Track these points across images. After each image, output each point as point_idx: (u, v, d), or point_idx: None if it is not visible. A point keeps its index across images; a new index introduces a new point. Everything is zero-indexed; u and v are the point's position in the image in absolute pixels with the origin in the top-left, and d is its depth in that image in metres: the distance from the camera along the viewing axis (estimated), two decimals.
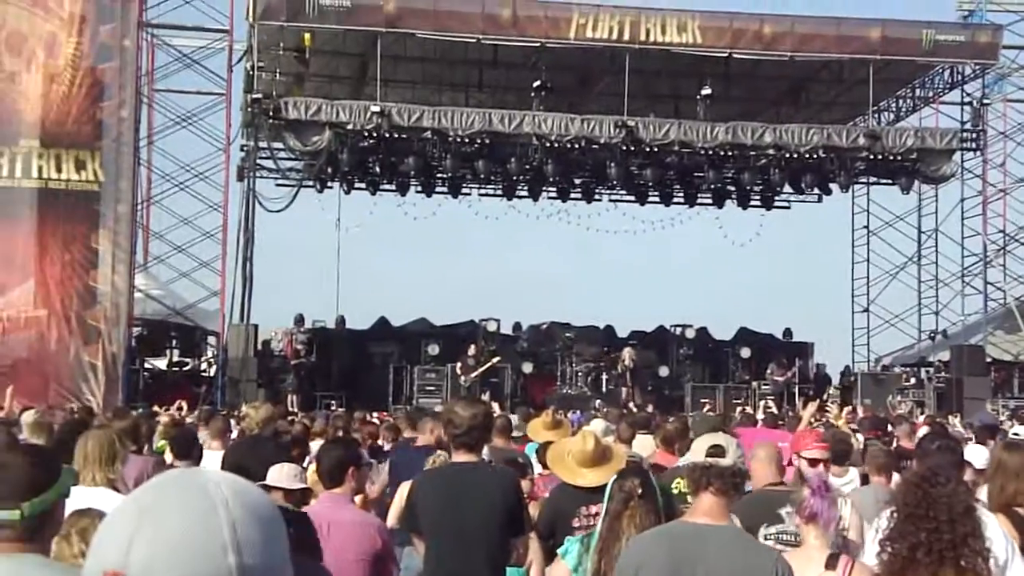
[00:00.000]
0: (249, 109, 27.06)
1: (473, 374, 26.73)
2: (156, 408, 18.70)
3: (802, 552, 5.22)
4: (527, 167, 28.61)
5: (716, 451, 4.60)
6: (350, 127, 26.49)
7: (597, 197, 32.72)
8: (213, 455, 9.84)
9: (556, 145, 27.35)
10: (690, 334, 31.34)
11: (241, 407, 19.30)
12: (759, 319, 33.63)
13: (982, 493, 6.14)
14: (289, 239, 33.66)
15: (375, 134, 26.70)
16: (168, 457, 10.30)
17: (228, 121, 27.83)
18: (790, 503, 5.81)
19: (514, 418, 13.37)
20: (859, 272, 35.78)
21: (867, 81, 28.04)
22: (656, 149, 27.82)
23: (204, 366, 29.68)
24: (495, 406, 16.69)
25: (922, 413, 24.48)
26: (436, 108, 27.54)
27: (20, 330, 24.90)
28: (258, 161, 28.69)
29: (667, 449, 10.44)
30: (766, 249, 45.40)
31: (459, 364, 27.06)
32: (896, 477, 7.78)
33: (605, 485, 5.56)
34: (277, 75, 28.12)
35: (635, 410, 21.92)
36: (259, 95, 26.32)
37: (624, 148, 27.66)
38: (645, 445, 10.92)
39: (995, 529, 4.89)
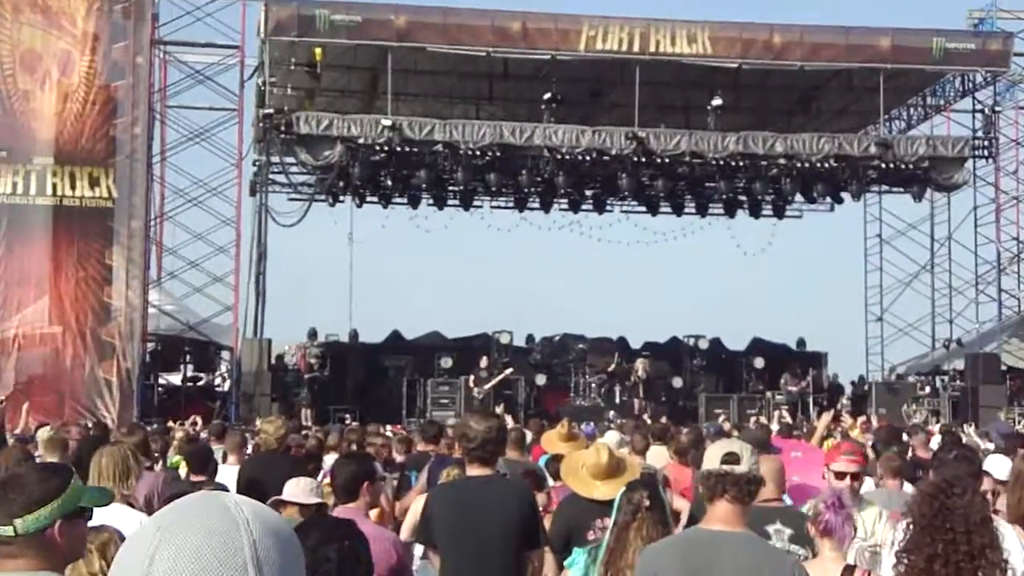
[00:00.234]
0: (261, 124, 27.16)
1: (486, 386, 26.73)
2: (171, 423, 18.77)
3: (817, 563, 5.21)
4: (538, 179, 28.66)
5: (731, 458, 4.59)
6: (361, 141, 26.57)
7: (608, 208, 32.74)
8: (229, 470, 9.86)
9: (567, 157, 27.39)
10: (703, 345, 31.28)
11: (256, 422, 19.34)
12: (772, 329, 33.62)
13: (1002, 503, 6.12)
14: (302, 253, 33.77)
15: (386, 148, 26.77)
16: (183, 472, 10.34)
17: (240, 136, 27.99)
18: (779, 519, 5.81)
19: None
20: (872, 281, 35.73)
21: (878, 90, 28.03)
22: (667, 160, 27.84)
23: (218, 381, 29.71)
24: (508, 419, 16.69)
25: (937, 422, 24.40)
26: (447, 121, 27.60)
27: (35, 347, 24.98)
28: (270, 176, 28.76)
29: (681, 460, 10.45)
30: (778, 259, 45.43)
31: (472, 377, 27.06)
32: (910, 487, 7.76)
33: None
34: (288, 90, 28.23)
35: (648, 421, 21.89)
36: (271, 110, 26.43)
37: (635, 159, 27.69)
38: (660, 456, 10.92)
39: (1013, 540, 4.88)
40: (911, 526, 4.35)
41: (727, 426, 20.26)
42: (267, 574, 1.75)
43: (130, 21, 26.11)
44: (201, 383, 29.37)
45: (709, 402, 28.90)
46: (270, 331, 27.19)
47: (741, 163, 28.26)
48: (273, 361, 27.88)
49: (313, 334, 28.97)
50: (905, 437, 13.37)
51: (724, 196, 31.27)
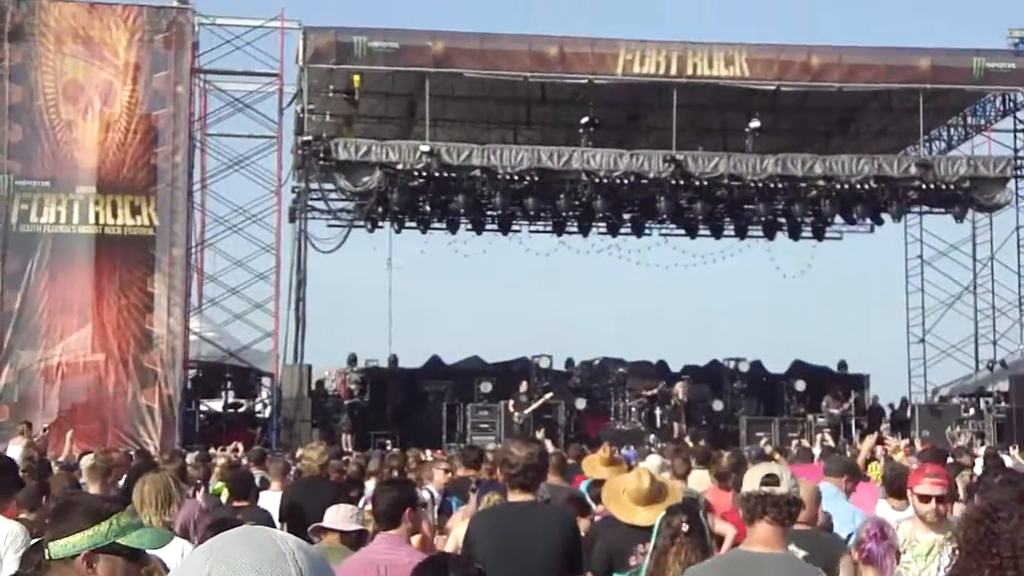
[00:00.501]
0: (300, 151, 27.35)
1: (526, 411, 26.70)
2: (212, 450, 18.86)
3: None
4: (576, 203, 28.68)
5: (770, 480, 4.58)
6: (400, 167, 26.69)
7: (647, 231, 32.69)
8: (272, 496, 9.90)
9: (605, 180, 27.40)
10: (744, 367, 31.12)
11: (296, 448, 19.40)
12: (813, 351, 33.39)
13: None
14: (341, 279, 33.94)
15: (425, 173, 26.88)
16: (224, 498, 10.38)
17: (279, 163, 28.11)
18: (795, 541, 5.77)
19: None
20: (914, 302, 35.39)
21: (917, 110, 27.88)
22: (705, 182, 27.79)
23: (259, 407, 29.83)
24: (548, 443, 16.66)
25: (982, 444, 24.13)
26: (485, 146, 27.68)
27: (79, 375, 25.20)
28: (309, 202, 28.92)
29: (721, 485, 10.37)
30: (818, 280, 45.11)
31: (512, 401, 27.04)
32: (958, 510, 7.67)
33: None
34: (327, 117, 28.43)
35: (690, 444, 21.78)
36: (309, 137, 26.61)
37: (673, 182, 27.66)
38: (701, 480, 10.85)
39: None
40: (957, 552, 4.30)
41: (769, 449, 20.14)
42: None
43: (171, 51, 26.40)
44: (242, 409, 29.51)
45: (750, 425, 28.72)
46: (310, 357, 27.32)
47: (780, 185, 28.17)
48: (313, 387, 27.98)
49: (353, 360, 29.06)
50: (950, 460, 13.23)
51: (763, 218, 31.17)
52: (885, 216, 30.63)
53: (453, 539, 7.93)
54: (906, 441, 20.49)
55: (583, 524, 7.34)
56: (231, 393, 30.09)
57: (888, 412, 31.12)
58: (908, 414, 30.12)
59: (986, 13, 53.59)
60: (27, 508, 8.09)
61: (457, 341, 34.86)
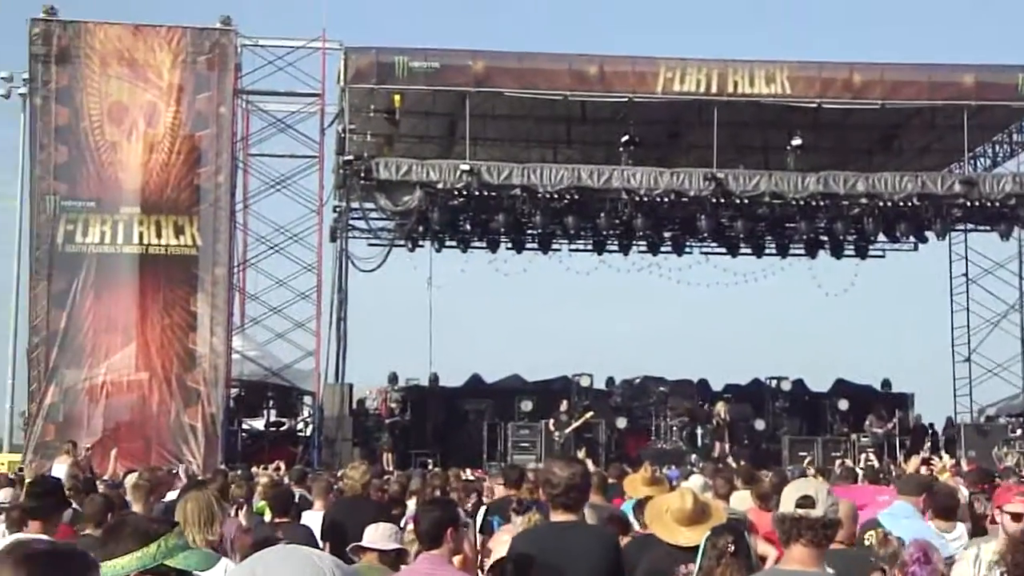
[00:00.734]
0: (341, 171, 27.51)
1: (567, 430, 26.65)
2: (254, 468, 18.94)
3: None
4: (617, 221, 28.67)
5: (805, 502, 4.55)
6: (440, 186, 26.78)
7: (688, 250, 32.60)
8: (315, 515, 9.92)
9: (645, 199, 27.36)
10: (786, 386, 30.92)
11: (336, 467, 19.46)
12: (856, 370, 33.06)
13: None
14: (382, 298, 34.01)
15: (465, 192, 26.96)
16: (267, 517, 10.41)
17: (321, 183, 28.28)
18: (827, 560, 5.70)
19: None
20: (959, 321, 35.01)
21: (961, 127, 27.67)
22: (747, 201, 27.70)
23: (300, 426, 29.95)
24: (589, 463, 16.59)
25: None
26: (525, 165, 27.71)
27: (123, 394, 25.40)
28: (350, 222, 29.07)
29: (763, 506, 10.27)
30: (861, 299, 44.65)
31: (552, 420, 27.00)
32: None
33: None
34: (368, 137, 28.57)
35: (733, 464, 21.63)
36: (351, 157, 26.75)
37: (714, 200, 27.58)
38: (743, 500, 10.76)
39: None
40: (1004, 575, 4.25)
41: (811, 470, 19.96)
42: None
43: (214, 72, 26.64)
44: (284, 428, 29.65)
45: (792, 445, 28.52)
46: (351, 376, 27.44)
47: (822, 203, 28.03)
48: (354, 406, 28.08)
49: (394, 378, 29.12)
50: (997, 481, 13.05)
51: (805, 236, 31.02)
52: (929, 234, 30.39)
53: (494, 559, 7.91)
54: (952, 461, 20.23)
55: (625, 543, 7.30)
56: (273, 412, 30.25)
57: (931, 431, 30.80)
58: (954, 434, 29.80)
59: None
60: (93, 523, 8.16)
61: (497, 360, 34.91)
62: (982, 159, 31.92)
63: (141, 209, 26.06)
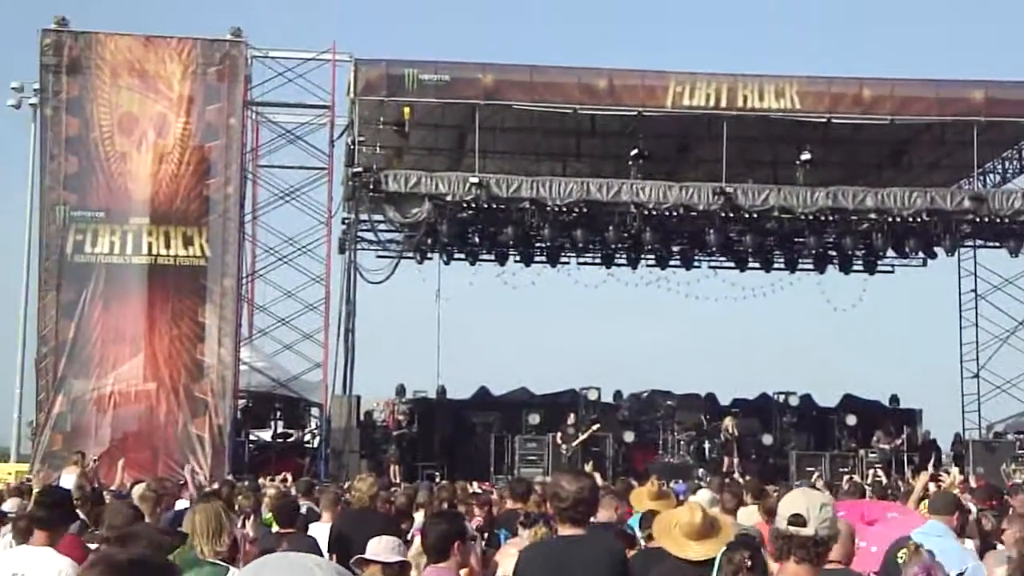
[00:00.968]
0: (350, 183, 27.54)
1: (574, 443, 26.61)
2: (261, 480, 18.93)
3: None
4: (625, 235, 28.67)
5: (796, 520, 4.55)
6: (449, 198, 26.80)
7: (696, 264, 32.56)
8: (322, 527, 9.91)
9: (654, 213, 27.36)
10: (794, 401, 30.83)
11: (344, 479, 19.43)
12: (864, 385, 33.00)
13: None
14: (390, 310, 34.08)
15: (474, 205, 26.98)
16: (275, 528, 10.40)
17: (330, 195, 28.31)
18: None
19: None
20: (968, 337, 34.93)
21: (971, 143, 27.64)
22: (755, 215, 27.68)
23: (308, 437, 29.94)
24: (597, 476, 16.56)
25: None
26: (534, 178, 27.72)
27: (130, 404, 25.41)
28: (359, 234, 29.08)
29: (770, 520, 10.23)
30: (870, 314, 44.64)
31: (560, 433, 26.96)
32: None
33: (712, 559, 5.48)
34: (377, 149, 28.61)
35: (740, 480, 21.57)
36: (360, 169, 26.79)
37: (723, 215, 27.57)
38: (751, 516, 10.73)
39: None
40: None
41: (819, 485, 19.90)
42: None
43: (224, 83, 26.70)
44: (291, 440, 29.65)
45: (800, 460, 28.44)
46: (359, 388, 27.42)
47: (831, 218, 28.00)
48: (362, 418, 28.06)
49: (401, 390, 29.11)
50: (1005, 497, 13.01)
51: (814, 251, 30.98)
52: (938, 250, 30.34)
53: (501, 572, 7.89)
54: (960, 477, 20.16)
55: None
56: (280, 423, 30.25)
57: (935, 448, 30.68)
58: (962, 450, 29.71)
59: None
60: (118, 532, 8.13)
61: (505, 372, 34.92)
62: (991, 175, 31.87)
63: (150, 220, 26.10)
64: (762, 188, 27.69)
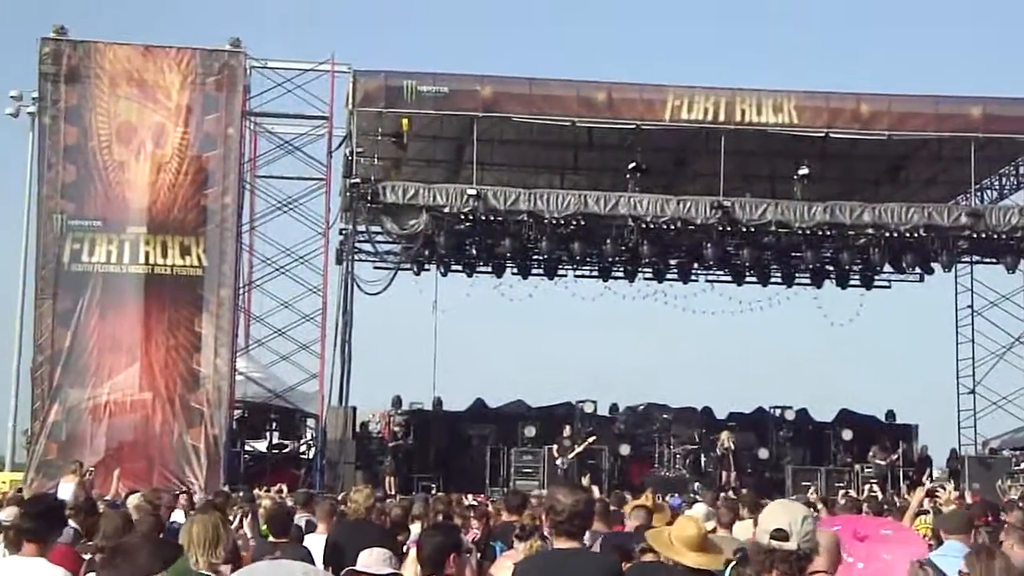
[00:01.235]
0: (348, 194, 27.54)
1: (570, 456, 26.58)
2: (256, 490, 18.89)
3: None
4: (623, 248, 28.67)
5: (779, 535, 4.55)
6: (447, 210, 26.79)
7: (693, 278, 32.56)
8: (318, 539, 9.88)
9: (652, 226, 27.38)
10: (790, 416, 30.86)
11: (339, 490, 19.38)
12: (860, 401, 33.01)
13: None
14: (387, 322, 34.00)
15: (471, 217, 26.97)
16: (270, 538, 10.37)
17: (327, 206, 28.29)
18: None
19: None
20: (964, 352, 34.95)
21: (968, 159, 27.66)
22: (753, 229, 27.70)
23: (303, 448, 29.90)
24: (595, 490, 16.54)
25: None
26: (532, 190, 27.73)
27: (126, 413, 25.36)
28: (356, 245, 29.08)
29: None
30: (867, 329, 44.65)
31: (556, 446, 26.93)
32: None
33: (709, 572, 5.49)
34: (375, 160, 28.58)
35: (734, 494, 21.54)
36: (358, 180, 26.78)
37: (720, 228, 27.58)
38: (747, 530, 10.71)
39: None
40: None
41: (815, 499, 19.86)
42: None
43: (222, 94, 26.71)
44: (286, 450, 29.61)
45: (796, 474, 28.46)
46: (355, 399, 27.38)
47: (828, 233, 28.02)
48: (358, 429, 28.01)
49: (397, 402, 29.07)
50: (1001, 514, 12.98)
51: (811, 266, 31.00)
52: (935, 265, 30.34)
53: None
54: (956, 493, 20.13)
55: None
56: (276, 434, 30.20)
57: (928, 463, 30.68)
58: (957, 466, 29.71)
59: None
60: (110, 540, 8.11)
61: (501, 385, 34.79)
62: (989, 191, 31.90)
63: (147, 229, 26.08)
64: (760, 202, 27.70)
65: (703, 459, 28.87)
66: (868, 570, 7.53)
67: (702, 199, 27.38)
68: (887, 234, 27.89)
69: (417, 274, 31.25)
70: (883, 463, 28.31)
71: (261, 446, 29.57)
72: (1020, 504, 17.59)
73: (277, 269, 28.14)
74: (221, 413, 25.66)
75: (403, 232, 27.38)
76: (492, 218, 27.09)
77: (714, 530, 9.31)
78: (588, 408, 29.55)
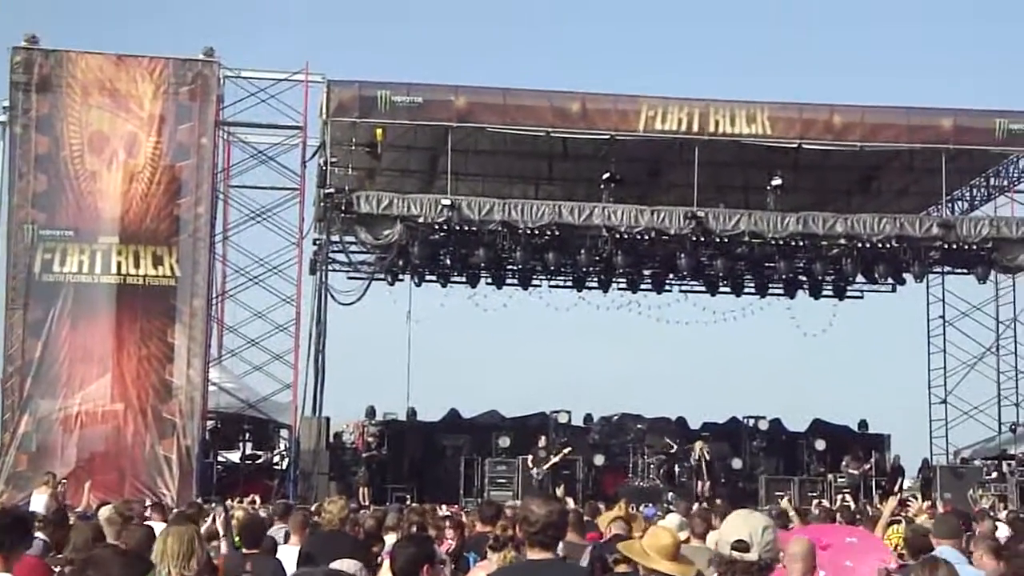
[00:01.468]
0: (322, 204, 27.48)
1: (544, 466, 26.56)
2: (229, 501, 18.78)
3: None
4: (597, 258, 28.70)
5: (740, 546, 4.56)
6: (421, 220, 26.76)
7: (667, 288, 32.63)
8: (291, 550, 9.83)
9: (626, 236, 27.41)
10: (763, 426, 30.96)
11: (312, 501, 19.30)
12: (833, 410, 33.10)
13: None
14: (360, 332, 33.91)
15: (446, 227, 26.95)
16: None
17: (301, 216, 28.22)
18: None
19: None
20: (936, 363, 35.17)
21: (940, 170, 27.85)
22: (726, 240, 27.77)
23: (276, 459, 29.79)
24: (569, 501, 16.53)
25: (1005, 508, 23.85)
26: (506, 201, 27.75)
27: (97, 424, 25.19)
28: (330, 255, 29.03)
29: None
30: (839, 339, 44.87)
31: (530, 456, 26.90)
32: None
33: None
34: (349, 170, 28.55)
35: (707, 504, 21.56)
36: (332, 190, 26.73)
37: (694, 239, 27.65)
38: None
39: None
40: None
41: (788, 508, 19.90)
42: None
43: (195, 103, 26.62)
44: (260, 461, 29.48)
45: (769, 484, 28.52)
46: (329, 409, 27.31)
47: (801, 243, 28.13)
48: (331, 439, 27.93)
49: (371, 412, 29.00)
50: (973, 523, 13.05)
51: (784, 276, 31.10)
52: (907, 276, 30.48)
53: None
54: (928, 503, 20.20)
55: None
56: (249, 444, 30.08)
57: (915, 472, 30.85)
58: (929, 475, 29.83)
59: (1010, 75, 53.67)
60: (80, 552, 8.06)
61: (476, 395, 34.72)
62: (960, 202, 32.12)
63: (120, 239, 25.94)
64: (733, 213, 27.79)
65: (677, 469, 28.90)
66: None
67: (676, 209, 27.44)
68: (859, 245, 28.03)
69: (391, 284, 31.18)
70: (856, 473, 28.41)
71: (234, 457, 29.44)
72: (991, 514, 17.70)
73: (250, 279, 28.06)
74: (194, 424, 25.54)
75: (377, 242, 27.32)
76: (466, 228, 27.07)
77: (687, 540, 9.31)
78: (562, 418, 29.57)
